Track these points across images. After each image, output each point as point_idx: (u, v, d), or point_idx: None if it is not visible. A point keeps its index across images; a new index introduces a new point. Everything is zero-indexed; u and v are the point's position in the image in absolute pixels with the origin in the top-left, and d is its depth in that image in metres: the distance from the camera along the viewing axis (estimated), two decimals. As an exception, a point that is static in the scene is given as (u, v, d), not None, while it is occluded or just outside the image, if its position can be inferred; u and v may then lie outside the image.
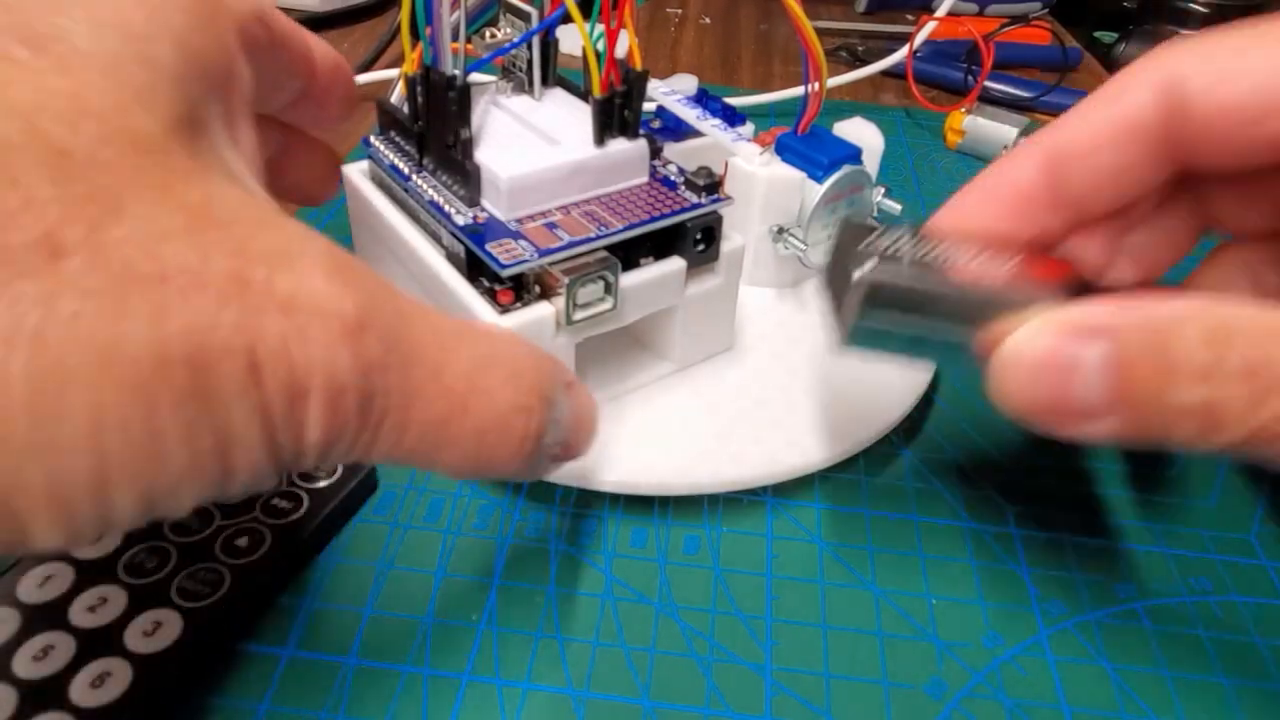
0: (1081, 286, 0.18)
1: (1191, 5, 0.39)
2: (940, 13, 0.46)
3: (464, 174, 0.22)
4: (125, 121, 0.12)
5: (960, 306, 0.18)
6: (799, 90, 0.28)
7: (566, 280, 0.21)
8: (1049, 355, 0.16)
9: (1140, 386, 0.15)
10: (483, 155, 0.22)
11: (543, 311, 0.22)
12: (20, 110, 0.11)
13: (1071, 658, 0.21)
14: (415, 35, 0.22)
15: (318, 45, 0.22)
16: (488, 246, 0.21)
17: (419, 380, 0.15)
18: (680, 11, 0.63)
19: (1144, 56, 0.19)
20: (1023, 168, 0.20)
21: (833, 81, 0.46)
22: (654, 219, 0.23)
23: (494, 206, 0.22)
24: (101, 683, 0.18)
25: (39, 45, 0.12)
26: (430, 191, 0.23)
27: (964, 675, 0.20)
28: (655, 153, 0.24)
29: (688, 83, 0.34)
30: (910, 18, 0.64)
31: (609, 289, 0.22)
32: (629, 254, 0.23)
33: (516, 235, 0.22)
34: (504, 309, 0.22)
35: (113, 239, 0.11)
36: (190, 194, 0.12)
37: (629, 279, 0.23)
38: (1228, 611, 0.22)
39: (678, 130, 0.32)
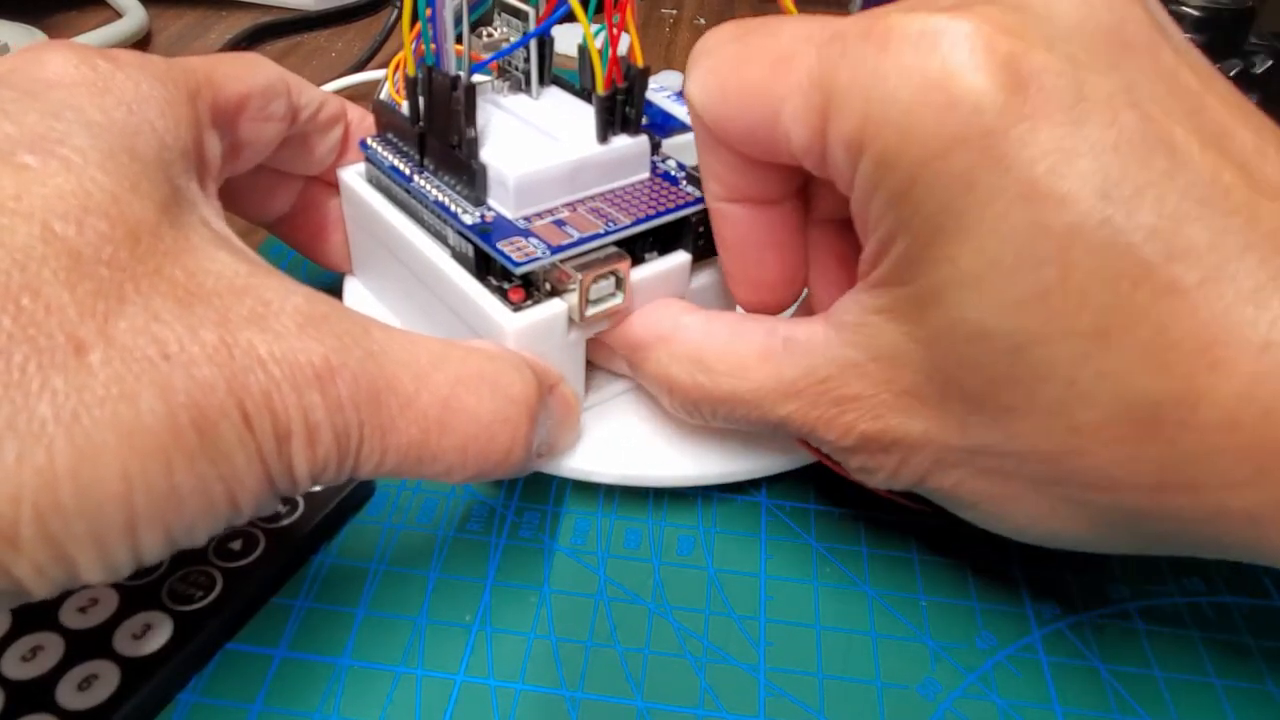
0: None
1: (1184, 8, 0.39)
2: (935, 15, 0.46)
3: (469, 174, 0.22)
4: (123, 211, 0.14)
5: None
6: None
7: (579, 276, 0.21)
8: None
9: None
10: (487, 155, 0.22)
11: (556, 309, 0.22)
12: (37, 215, 0.13)
13: (1065, 658, 0.21)
14: (416, 20, 0.22)
15: (352, 107, 0.26)
16: (499, 245, 0.21)
17: (391, 410, 0.17)
18: (675, 12, 0.63)
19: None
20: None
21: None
22: (661, 214, 0.23)
23: (501, 205, 0.22)
24: (89, 685, 0.18)
25: (45, 150, 0.14)
26: (434, 192, 0.23)
27: (957, 676, 0.20)
28: (655, 148, 0.25)
29: (674, 79, 0.34)
30: (904, 20, 0.64)
31: (620, 284, 0.22)
32: (632, 249, 0.23)
33: (526, 233, 0.22)
34: (516, 307, 0.22)
35: (120, 330, 0.13)
36: (177, 272, 0.14)
37: (636, 274, 0.23)
38: (1220, 612, 0.22)
39: (664, 126, 0.32)
